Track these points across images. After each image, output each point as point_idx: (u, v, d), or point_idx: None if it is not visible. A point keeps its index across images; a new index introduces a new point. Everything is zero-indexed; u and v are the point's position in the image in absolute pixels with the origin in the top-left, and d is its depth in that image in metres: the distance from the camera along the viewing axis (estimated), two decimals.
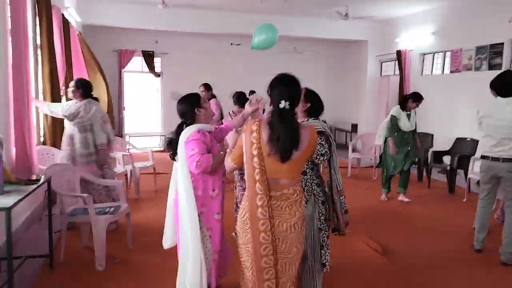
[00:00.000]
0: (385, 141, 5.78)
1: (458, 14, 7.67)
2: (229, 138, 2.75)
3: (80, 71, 6.48)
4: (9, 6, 3.71)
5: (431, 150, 7.12)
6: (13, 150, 3.69)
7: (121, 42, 9.87)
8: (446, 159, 6.80)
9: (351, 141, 10.23)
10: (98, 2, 8.29)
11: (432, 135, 7.41)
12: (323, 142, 2.40)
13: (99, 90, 6.74)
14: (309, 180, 2.50)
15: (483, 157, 3.79)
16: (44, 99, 4.74)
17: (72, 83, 4.12)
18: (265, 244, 2.00)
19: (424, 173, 7.12)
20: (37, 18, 4.79)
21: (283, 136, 1.98)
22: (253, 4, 8.21)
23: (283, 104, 2.02)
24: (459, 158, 6.15)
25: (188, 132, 2.51)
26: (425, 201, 5.90)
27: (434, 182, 6.84)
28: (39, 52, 4.88)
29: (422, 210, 5.46)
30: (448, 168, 6.31)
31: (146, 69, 10.26)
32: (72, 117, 3.96)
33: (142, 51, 10.05)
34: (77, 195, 3.48)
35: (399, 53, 9.02)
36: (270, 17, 9.25)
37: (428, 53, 8.67)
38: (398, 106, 5.80)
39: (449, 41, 7.88)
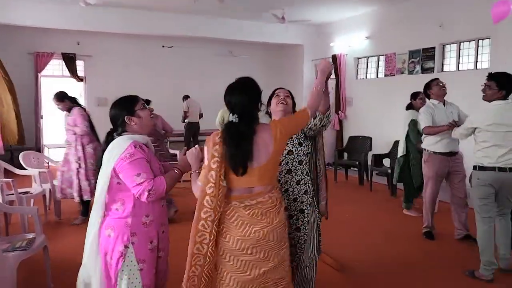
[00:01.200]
0: (408, 151, 5.27)
1: (391, 19, 7.83)
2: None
3: None
4: None
5: (370, 153, 7.14)
6: None
7: (38, 43, 8.83)
8: (386, 162, 6.85)
9: None
10: None
11: (371, 138, 7.45)
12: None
13: (3, 98, 5.84)
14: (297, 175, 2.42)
15: (484, 168, 3.36)
16: None
17: None
18: (197, 259, 1.94)
19: (365, 177, 7.14)
20: None
21: (233, 152, 1.89)
22: (186, 4, 7.73)
23: (231, 117, 1.93)
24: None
25: (122, 144, 2.02)
26: (368, 205, 5.83)
27: (375, 185, 6.85)
28: None
29: (366, 214, 5.36)
30: (389, 171, 6.32)
31: (67, 73, 9.29)
32: None
33: (62, 53, 9.08)
34: None
35: (334, 57, 9.05)
36: (204, 19, 8.85)
37: (362, 57, 8.78)
38: (412, 110, 5.25)
39: (383, 46, 8.03)
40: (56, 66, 9.39)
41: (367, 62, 8.70)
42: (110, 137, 2.12)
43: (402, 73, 7.57)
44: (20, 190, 4.48)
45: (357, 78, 8.94)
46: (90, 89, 9.61)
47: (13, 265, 2.68)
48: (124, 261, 2.01)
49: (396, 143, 6.83)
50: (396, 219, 5.19)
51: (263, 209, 1.96)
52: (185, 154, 2.18)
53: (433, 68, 6.96)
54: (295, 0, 7.54)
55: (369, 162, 6.96)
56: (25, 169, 4.94)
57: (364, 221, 5.11)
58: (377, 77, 8.37)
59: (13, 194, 4.23)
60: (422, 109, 4.31)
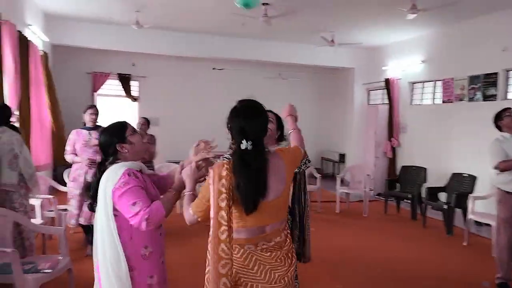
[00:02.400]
0: None
1: (449, 42, 7.33)
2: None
3: (39, 94, 5.83)
4: None
5: (424, 185, 6.60)
6: None
7: (95, 64, 9.26)
8: (442, 196, 6.29)
9: (339, 172, 9.75)
10: (69, 21, 7.70)
11: (425, 169, 6.91)
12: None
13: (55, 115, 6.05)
14: None
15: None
16: None
17: None
18: None
19: (418, 210, 6.59)
20: None
21: (246, 185, 1.64)
22: (235, 29, 7.76)
23: (244, 144, 1.67)
24: (458, 196, 5.61)
25: (114, 174, 1.89)
26: (421, 244, 5.32)
27: (429, 220, 6.28)
28: None
29: (418, 255, 4.86)
30: (446, 206, 5.77)
31: (121, 92, 9.64)
32: None
33: (118, 74, 9.46)
34: None
35: (387, 81, 8.64)
36: (253, 42, 8.86)
37: (418, 82, 8.29)
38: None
39: (440, 70, 7.52)
40: (112, 86, 9.77)
41: (423, 87, 8.19)
42: (102, 167, 1.99)
43: (461, 99, 7.00)
44: (60, 207, 4.55)
45: (411, 104, 8.44)
46: (143, 108, 9.85)
47: (33, 287, 2.62)
48: None
49: (454, 176, 6.27)
50: (453, 262, 4.66)
51: (283, 251, 1.77)
52: (181, 172, 2.00)
53: (496, 95, 6.35)
54: (345, 23, 7.31)
55: (423, 195, 6.42)
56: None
57: (416, 263, 4.62)
58: (434, 103, 7.83)
59: (53, 211, 4.30)
60: (492, 144, 3.79)
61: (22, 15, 5.88)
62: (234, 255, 1.69)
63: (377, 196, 8.41)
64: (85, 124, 4.37)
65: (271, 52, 9.08)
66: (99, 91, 9.42)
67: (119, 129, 2.01)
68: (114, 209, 1.89)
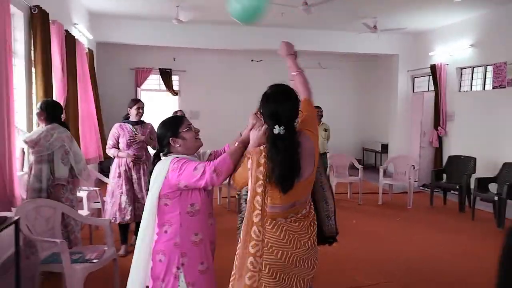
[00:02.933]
0: None
1: (500, 24, 6.87)
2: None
3: (87, 90, 6.08)
4: None
5: (473, 176, 6.27)
6: None
7: (138, 59, 9.53)
8: (492, 187, 5.96)
9: (381, 163, 9.49)
10: (112, 19, 7.97)
11: (475, 158, 6.56)
12: None
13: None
14: None
15: None
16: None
17: (38, 104, 3.55)
18: None
19: (466, 202, 6.30)
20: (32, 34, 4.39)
21: (280, 168, 1.72)
22: (274, 18, 7.68)
23: (277, 129, 1.74)
24: (510, 187, 5.30)
25: (164, 165, 1.95)
26: (471, 238, 5.08)
27: (478, 213, 5.98)
28: (33, 70, 4.47)
29: (467, 250, 4.64)
30: (496, 198, 5.46)
31: (163, 87, 9.88)
32: (33, 144, 3.31)
33: (159, 68, 9.68)
34: (47, 240, 2.92)
35: (433, 67, 8.25)
36: (292, 31, 8.73)
37: (466, 67, 7.86)
38: None
39: (491, 54, 7.07)
40: (154, 80, 10.02)
41: (472, 72, 7.75)
42: (157, 159, 2.06)
43: None
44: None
45: (460, 91, 8.02)
46: (184, 102, 10.05)
47: (81, 277, 2.76)
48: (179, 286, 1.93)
49: (505, 166, 5.93)
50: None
51: (308, 221, 1.92)
52: (251, 129, 1.99)
53: None
54: (387, 8, 7.03)
55: (472, 186, 6.11)
56: None
57: (465, 257, 4.41)
58: (484, 89, 7.40)
59: (99, 202, 4.49)
60: None
61: (69, 14, 6.14)
62: (266, 227, 1.80)
63: (421, 188, 8.12)
64: (127, 118, 4.29)
65: (310, 41, 8.92)
66: (142, 86, 9.70)
67: (174, 124, 2.06)
68: (166, 199, 1.94)
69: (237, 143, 2.04)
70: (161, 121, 2.12)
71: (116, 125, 4.22)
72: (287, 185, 1.75)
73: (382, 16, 7.42)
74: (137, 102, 4.28)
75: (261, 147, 1.79)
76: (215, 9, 7.27)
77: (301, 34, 8.81)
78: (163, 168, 1.94)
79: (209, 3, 6.84)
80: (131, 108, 4.23)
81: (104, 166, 8.89)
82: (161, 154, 2.08)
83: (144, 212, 1.97)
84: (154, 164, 2.04)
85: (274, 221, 1.86)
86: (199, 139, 2.12)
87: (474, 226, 5.57)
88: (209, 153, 2.32)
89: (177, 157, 1.96)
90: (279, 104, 1.78)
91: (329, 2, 6.13)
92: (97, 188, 4.56)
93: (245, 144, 2.01)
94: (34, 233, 2.94)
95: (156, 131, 2.12)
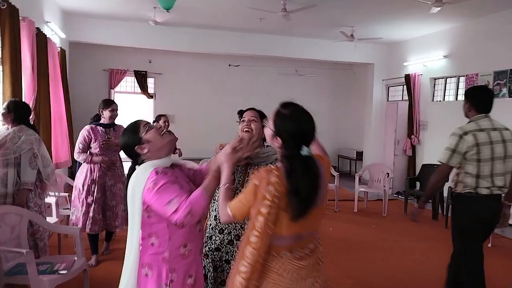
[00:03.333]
0: None
1: (474, 36, 7.07)
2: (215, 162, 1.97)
3: (58, 91, 5.85)
4: None
5: (446, 184, 6.37)
6: None
7: (112, 61, 9.29)
8: None
9: (355, 170, 9.58)
10: (86, 18, 7.73)
11: None
12: None
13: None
14: None
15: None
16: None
17: (4, 105, 3.32)
18: None
19: (439, 210, 6.41)
20: None
21: (305, 192, 1.58)
22: (252, 24, 7.65)
23: (305, 151, 1.62)
24: None
25: (142, 175, 1.78)
26: (442, 245, 5.13)
27: (451, 221, 6.08)
28: (0, 68, 4.24)
29: (440, 257, 4.69)
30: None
31: (137, 89, 9.65)
32: None
33: (134, 71, 9.46)
34: (11, 250, 2.73)
35: (407, 77, 8.42)
36: (270, 38, 8.74)
37: (439, 78, 8.05)
38: None
39: (463, 65, 7.27)
40: (129, 83, 9.79)
41: (445, 83, 7.95)
42: (131, 171, 1.89)
43: None
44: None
45: (433, 100, 8.20)
46: (159, 105, 9.85)
47: None
48: None
49: None
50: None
51: (316, 258, 1.74)
52: (219, 150, 1.91)
53: None
54: (365, 18, 7.13)
55: (445, 194, 6.22)
56: None
57: (437, 267, 4.46)
58: (457, 99, 7.59)
59: (68, 209, 4.28)
60: None
61: (40, 12, 5.90)
62: (269, 263, 1.66)
63: (395, 195, 8.22)
64: (96, 120, 4.02)
65: (288, 48, 8.95)
66: (116, 88, 9.45)
67: (132, 132, 1.88)
68: (147, 212, 1.80)
69: (209, 175, 1.91)
70: (121, 133, 1.94)
71: (87, 127, 3.94)
72: (303, 211, 1.61)
73: (359, 26, 7.52)
74: (111, 103, 4.05)
75: (272, 166, 1.64)
76: (193, 12, 7.18)
77: (279, 40, 8.82)
78: (142, 179, 1.78)
79: (187, 5, 6.73)
80: (104, 109, 3.97)
81: (74, 171, 8.59)
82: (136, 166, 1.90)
83: (129, 225, 1.83)
84: (129, 177, 1.86)
85: (277, 256, 1.67)
86: (167, 133, 1.95)
87: (447, 234, 5.63)
88: (189, 167, 2.12)
89: (156, 172, 1.78)
90: (306, 123, 1.66)
91: (307, 9, 6.15)
92: (66, 194, 4.34)
93: (218, 174, 1.87)
94: None
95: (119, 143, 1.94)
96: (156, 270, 1.80)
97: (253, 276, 1.60)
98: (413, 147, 8.41)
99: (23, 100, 4.42)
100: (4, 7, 4.04)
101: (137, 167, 1.87)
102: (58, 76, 6.19)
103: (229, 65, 10.09)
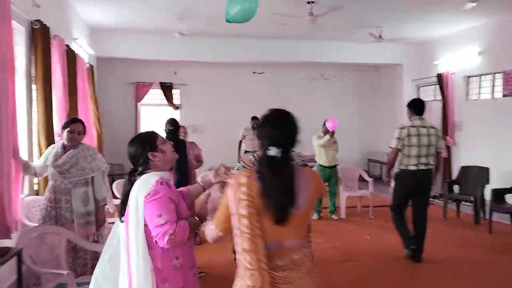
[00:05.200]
0: None
1: (509, 31, 6.76)
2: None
3: (86, 107, 5.90)
4: None
5: (487, 187, 6.09)
6: None
7: (138, 74, 9.37)
8: (509, 198, 5.77)
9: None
10: (112, 33, 7.84)
11: (488, 169, 6.38)
12: None
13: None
14: None
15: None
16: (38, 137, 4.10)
17: (78, 125, 3.34)
18: None
19: (481, 214, 6.10)
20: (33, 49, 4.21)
21: (277, 191, 1.59)
22: (275, 30, 7.56)
23: (273, 151, 1.65)
24: None
25: (147, 183, 1.87)
26: (490, 251, 4.86)
27: (495, 225, 5.78)
28: (34, 87, 4.28)
29: (490, 265, 4.43)
30: None
31: (164, 101, 9.69)
32: (69, 166, 3.18)
33: (160, 83, 9.52)
34: (52, 272, 2.68)
35: (439, 76, 8.13)
36: (294, 43, 8.63)
37: (474, 76, 7.74)
38: None
39: (500, 62, 6.95)
40: (155, 95, 9.85)
41: (480, 81, 7.63)
42: (132, 177, 1.97)
43: None
44: (110, 220, 4.49)
45: (467, 99, 7.89)
46: (185, 116, 9.86)
47: None
48: None
49: None
50: None
51: (301, 272, 1.63)
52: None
53: None
54: (393, 17, 6.92)
55: (487, 197, 5.92)
56: (118, 198, 5.01)
57: (488, 273, 4.21)
58: (493, 97, 7.26)
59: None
60: None
61: (69, 29, 5.99)
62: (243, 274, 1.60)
63: (432, 199, 7.90)
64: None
65: (312, 53, 8.83)
66: (142, 101, 9.52)
67: (150, 138, 2.01)
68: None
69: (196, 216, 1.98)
70: (132, 139, 2.04)
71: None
72: (283, 213, 1.59)
73: (387, 26, 7.32)
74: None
75: (241, 170, 1.78)
76: (216, 22, 7.14)
77: (303, 45, 8.72)
78: (146, 186, 1.85)
79: (210, 15, 6.72)
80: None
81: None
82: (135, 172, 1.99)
83: (131, 233, 1.86)
84: (130, 182, 1.94)
85: None
86: (174, 151, 2.08)
87: (492, 239, 5.36)
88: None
89: (161, 183, 1.86)
90: (278, 127, 1.70)
91: (334, 11, 6.01)
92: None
93: (203, 217, 1.96)
94: (37, 262, 2.72)
95: (128, 149, 2.01)
96: None
97: (262, 279, 1.52)
98: (449, 149, 8.08)
99: (55, 116, 4.46)
100: (37, 27, 4.08)
101: (138, 175, 1.94)
102: (86, 92, 6.25)
103: (253, 72, 10.02)
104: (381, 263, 4.52)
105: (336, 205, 6.63)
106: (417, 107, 4.45)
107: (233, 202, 1.61)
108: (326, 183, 6.36)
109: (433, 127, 4.45)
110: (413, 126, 4.34)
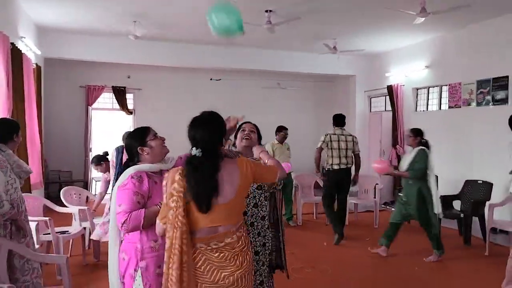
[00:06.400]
0: None
1: (456, 46, 7.18)
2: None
3: (31, 109, 5.55)
4: None
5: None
6: None
7: (89, 77, 8.97)
8: (456, 205, 6.06)
9: None
10: (62, 34, 7.43)
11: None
12: None
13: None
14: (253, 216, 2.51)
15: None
16: None
17: None
18: None
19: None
20: None
21: (196, 188, 1.82)
22: (234, 37, 7.53)
23: (194, 151, 1.89)
24: (473, 204, 5.40)
25: (124, 176, 2.13)
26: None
27: (443, 230, 6.02)
28: None
29: (442, 269, 4.61)
30: (462, 215, 5.54)
31: (116, 106, 9.35)
32: None
33: (113, 86, 9.17)
34: None
35: (390, 88, 8.47)
36: (252, 51, 8.66)
37: (422, 88, 8.13)
38: None
39: (446, 75, 7.36)
40: (107, 99, 9.48)
41: (428, 93, 8.02)
42: (125, 168, 2.19)
43: (469, 104, 6.83)
44: (58, 229, 4.23)
45: (416, 110, 8.26)
46: (139, 121, 9.55)
47: None
48: (133, 284, 2.06)
49: (467, 183, 6.05)
50: (472, 274, 4.41)
51: (233, 252, 1.88)
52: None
53: (506, 99, 6.18)
54: (347, 30, 7.14)
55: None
56: (65, 206, 4.71)
57: (436, 277, 4.38)
58: (440, 109, 7.66)
59: (50, 233, 3.98)
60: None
61: (15, 27, 5.61)
62: (193, 256, 1.85)
63: (383, 206, 8.17)
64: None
65: (269, 61, 8.89)
66: (94, 105, 9.12)
67: (141, 134, 2.23)
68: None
69: (159, 205, 2.13)
70: (128, 133, 2.34)
71: None
72: (204, 203, 1.81)
73: (341, 38, 7.53)
74: None
75: (178, 168, 1.89)
76: (174, 26, 7.01)
77: (261, 54, 8.76)
78: (122, 178, 2.11)
79: (166, 19, 6.57)
80: None
81: (51, 191, 8.17)
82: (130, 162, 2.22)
83: (110, 216, 2.13)
84: (122, 171, 2.16)
85: (193, 248, 1.86)
86: (166, 146, 2.28)
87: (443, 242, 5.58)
88: (175, 158, 2.40)
89: (132, 177, 2.08)
90: (198, 129, 1.91)
91: (292, 22, 6.09)
92: (46, 218, 4.03)
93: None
94: None
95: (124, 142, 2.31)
96: (129, 255, 2.09)
97: (179, 264, 1.74)
98: (399, 157, 8.38)
99: None
100: None
101: (131, 164, 2.20)
102: (32, 94, 5.87)
103: (211, 79, 9.93)
104: (340, 269, 4.56)
105: (292, 212, 6.67)
106: (338, 120, 5.88)
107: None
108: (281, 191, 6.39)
109: (350, 135, 5.86)
110: (334, 134, 5.71)
